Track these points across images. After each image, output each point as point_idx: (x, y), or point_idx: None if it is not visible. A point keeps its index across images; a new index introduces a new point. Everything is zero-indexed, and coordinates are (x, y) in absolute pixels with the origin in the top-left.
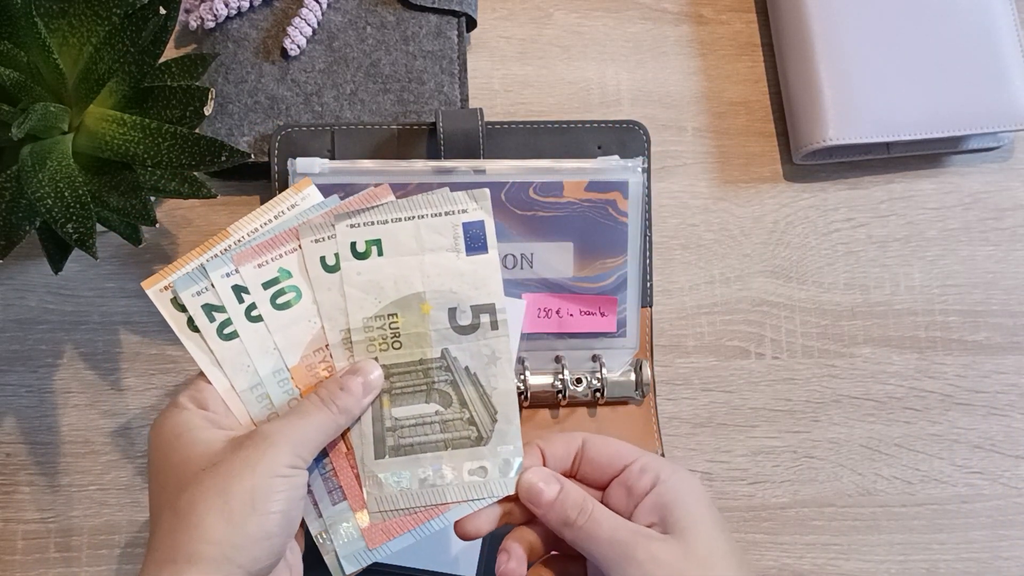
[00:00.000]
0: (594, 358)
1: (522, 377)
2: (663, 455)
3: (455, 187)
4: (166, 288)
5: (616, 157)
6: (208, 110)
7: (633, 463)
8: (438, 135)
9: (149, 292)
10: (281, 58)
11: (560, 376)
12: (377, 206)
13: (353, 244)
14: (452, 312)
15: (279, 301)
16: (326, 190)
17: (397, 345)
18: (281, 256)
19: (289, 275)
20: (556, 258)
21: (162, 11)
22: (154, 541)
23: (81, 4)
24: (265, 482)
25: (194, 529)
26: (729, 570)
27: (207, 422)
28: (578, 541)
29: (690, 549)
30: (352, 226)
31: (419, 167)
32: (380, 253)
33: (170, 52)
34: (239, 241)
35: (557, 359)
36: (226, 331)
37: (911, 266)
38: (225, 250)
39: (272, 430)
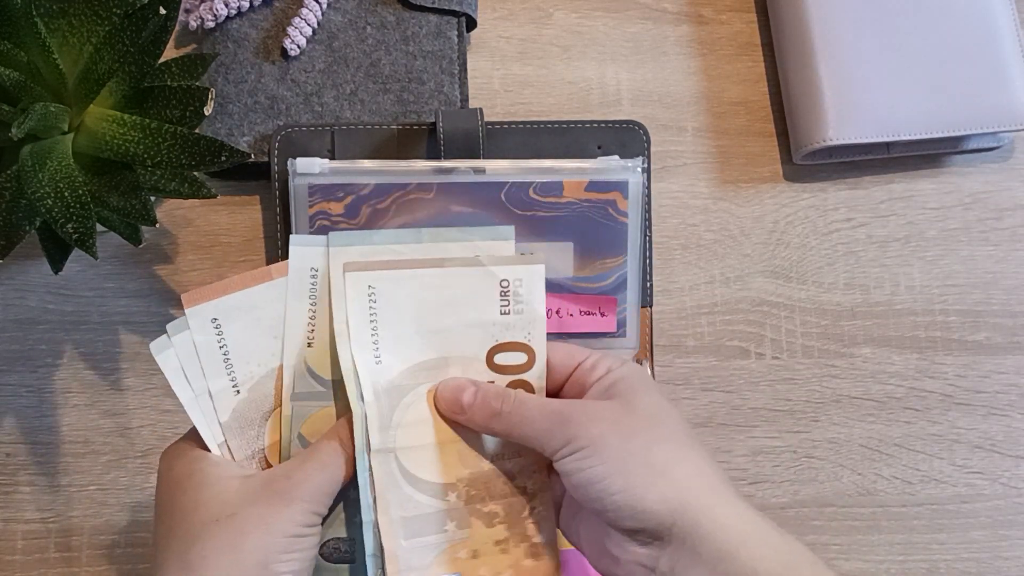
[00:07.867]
0: None
1: None
2: None
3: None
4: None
5: (616, 157)
6: (208, 110)
7: (585, 360)
8: (438, 135)
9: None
10: (281, 58)
11: None
12: None
13: None
14: None
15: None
16: (326, 190)
17: None
18: None
19: None
20: (556, 258)
21: (162, 11)
22: None
23: (81, 4)
24: (278, 542)
25: None
26: (678, 430)
27: (219, 459)
28: (511, 429)
29: (632, 407)
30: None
31: (419, 167)
32: None
33: (170, 52)
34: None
35: None
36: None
37: (911, 266)
38: None
39: (288, 486)
